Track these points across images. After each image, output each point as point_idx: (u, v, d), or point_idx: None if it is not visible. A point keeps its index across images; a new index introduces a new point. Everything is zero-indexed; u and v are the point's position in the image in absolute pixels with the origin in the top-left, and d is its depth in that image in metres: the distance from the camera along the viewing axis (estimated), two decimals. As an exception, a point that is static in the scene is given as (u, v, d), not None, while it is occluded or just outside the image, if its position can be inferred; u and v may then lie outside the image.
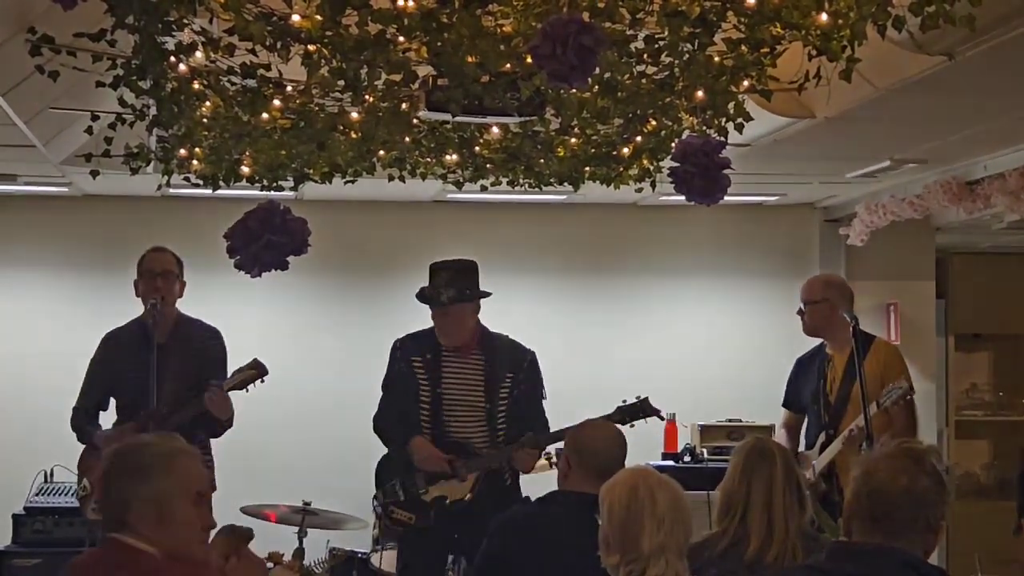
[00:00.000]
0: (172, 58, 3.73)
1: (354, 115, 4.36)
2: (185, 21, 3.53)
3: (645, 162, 4.98)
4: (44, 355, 7.49)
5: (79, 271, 7.80)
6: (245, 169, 5.01)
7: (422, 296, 5.16)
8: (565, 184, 5.37)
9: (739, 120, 4.21)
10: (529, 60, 3.38)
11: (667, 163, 4.07)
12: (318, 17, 3.47)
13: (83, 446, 5.33)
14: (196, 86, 4.03)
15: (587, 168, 5.16)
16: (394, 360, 5.31)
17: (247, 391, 5.18)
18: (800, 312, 5.47)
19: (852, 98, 4.62)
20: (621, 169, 5.10)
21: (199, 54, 3.72)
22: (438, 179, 5.39)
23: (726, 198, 4.03)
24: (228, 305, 7.05)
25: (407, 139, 4.76)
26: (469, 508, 5.09)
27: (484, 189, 5.53)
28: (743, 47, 3.68)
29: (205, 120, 4.45)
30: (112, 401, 5.41)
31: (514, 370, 5.21)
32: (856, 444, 5.01)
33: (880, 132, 5.69)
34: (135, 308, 5.34)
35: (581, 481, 3.88)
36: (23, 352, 7.65)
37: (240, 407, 5.24)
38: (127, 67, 3.73)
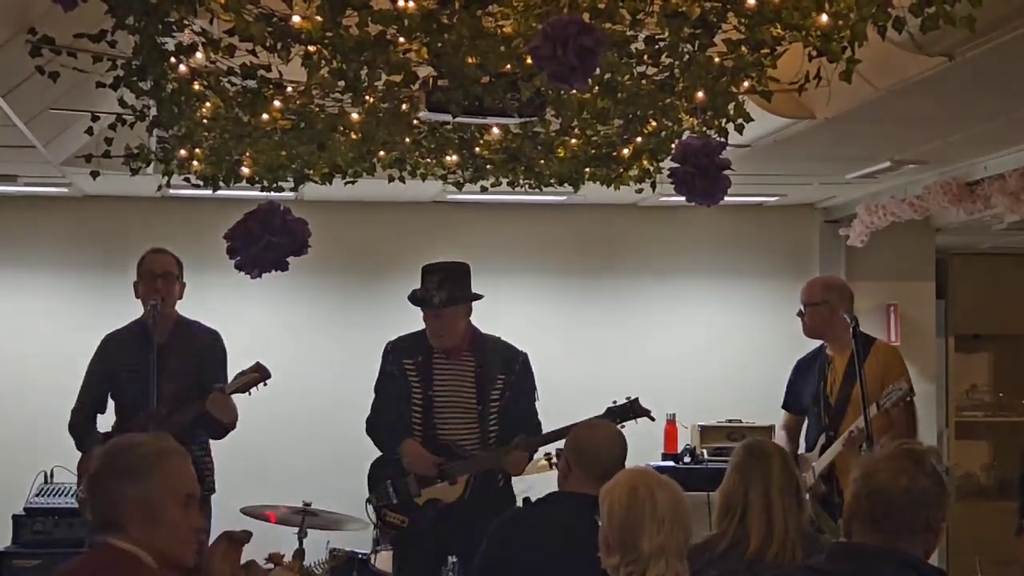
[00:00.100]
0: (172, 59, 3.73)
1: (354, 116, 4.36)
2: (185, 22, 3.53)
3: (645, 163, 4.98)
4: (44, 355, 7.49)
5: (79, 271, 7.80)
6: (245, 170, 5.01)
7: (414, 298, 5.16)
8: (565, 185, 5.37)
9: (739, 121, 4.22)
10: (529, 61, 3.38)
11: (667, 164, 4.08)
12: (318, 18, 3.47)
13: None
14: (196, 87, 4.03)
15: (587, 169, 5.16)
16: (386, 362, 5.31)
17: (249, 394, 5.18)
18: (800, 314, 5.47)
19: (852, 99, 4.62)
20: (621, 170, 5.10)
21: (199, 55, 3.71)
22: (438, 180, 5.39)
23: (726, 199, 4.03)
24: (228, 305, 7.06)
25: (407, 140, 4.75)
26: (462, 510, 5.10)
27: (484, 190, 5.53)
28: (743, 48, 3.68)
29: (205, 121, 4.45)
30: (111, 402, 5.41)
31: (506, 372, 5.21)
32: (856, 445, 5.01)
33: (880, 133, 5.69)
34: (135, 309, 5.34)
35: (581, 482, 3.88)
36: (23, 352, 7.65)
37: (240, 408, 5.25)
38: (127, 68, 3.73)
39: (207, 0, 3.38)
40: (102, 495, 2.77)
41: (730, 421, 7.77)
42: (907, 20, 3.40)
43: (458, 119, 4.05)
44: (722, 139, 4.15)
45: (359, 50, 3.55)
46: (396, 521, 5.20)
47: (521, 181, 5.34)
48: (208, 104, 4.27)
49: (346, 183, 5.27)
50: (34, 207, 7.70)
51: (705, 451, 7.63)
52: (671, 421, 7.70)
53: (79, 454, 5.33)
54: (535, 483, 6.07)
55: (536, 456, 6.30)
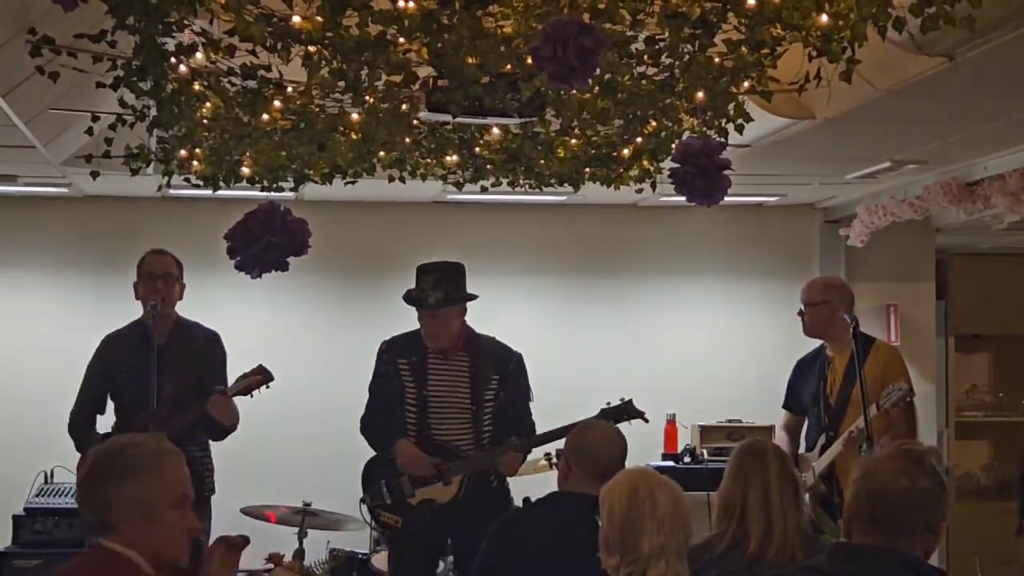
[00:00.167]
0: (172, 59, 3.73)
1: (354, 116, 4.36)
2: (185, 22, 3.53)
3: (645, 163, 4.98)
4: (44, 355, 7.49)
5: (79, 271, 7.80)
6: (245, 170, 5.01)
7: (409, 298, 5.16)
8: (565, 185, 5.37)
9: (739, 121, 4.21)
10: (529, 61, 3.38)
11: (667, 164, 4.08)
12: (319, 18, 3.47)
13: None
14: (196, 87, 4.03)
15: (587, 169, 5.15)
16: (380, 362, 5.31)
17: (251, 396, 5.19)
18: (800, 313, 5.48)
19: (852, 99, 4.62)
20: (621, 170, 5.09)
21: (199, 55, 3.71)
22: (438, 180, 5.39)
23: (726, 199, 4.03)
24: (228, 306, 7.06)
25: (407, 140, 4.75)
26: (456, 511, 5.10)
27: (484, 190, 5.53)
28: (743, 48, 3.68)
29: (205, 121, 4.45)
30: (111, 403, 5.41)
31: (500, 372, 5.21)
32: (856, 446, 5.01)
33: (880, 133, 5.69)
34: (135, 309, 5.34)
35: (581, 482, 3.88)
36: (23, 352, 7.65)
37: (240, 408, 5.25)
38: (127, 68, 3.73)
39: (207, 0, 3.38)
40: (95, 496, 2.75)
41: (730, 421, 7.77)
42: (907, 20, 3.40)
43: (458, 119, 4.04)
44: (722, 139, 4.15)
45: (359, 50, 3.55)
46: (390, 521, 5.20)
47: (521, 181, 5.34)
48: (208, 104, 4.27)
49: (346, 183, 5.27)
50: (34, 207, 7.70)
51: (705, 451, 7.63)
52: (671, 421, 7.70)
53: (79, 454, 5.33)
54: (535, 484, 6.07)
55: (536, 456, 6.32)
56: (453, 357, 5.20)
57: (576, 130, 4.73)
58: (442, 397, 5.18)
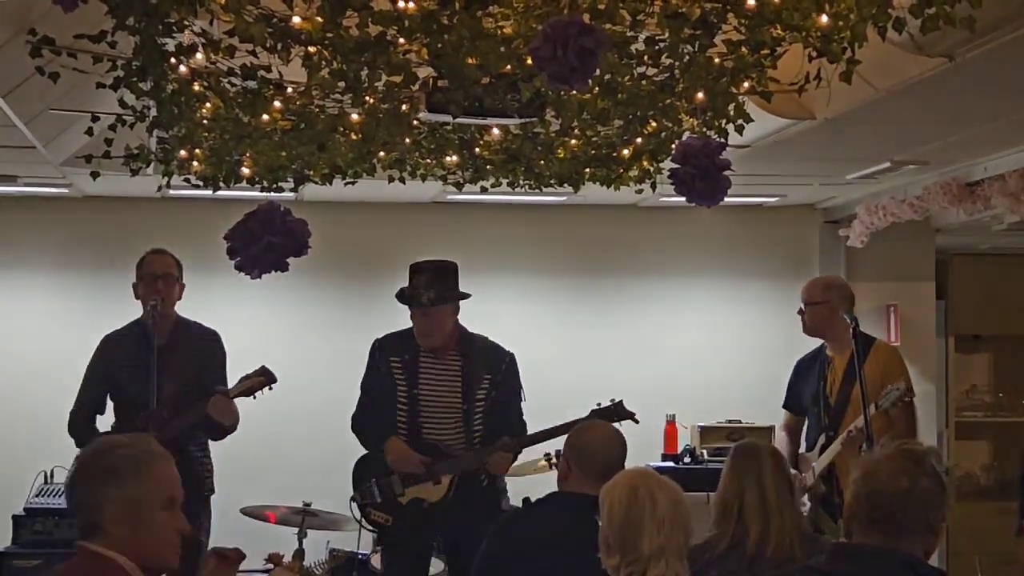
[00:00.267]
0: (172, 59, 3.73)
1: (354, 116, 4.36)
2: (185, 23, 3.53)
3: (645, 163, 4.98)
4: (44, 355, 7.49)
5: (79, 272, 7.80)
6: (245, 170, 5.01)
7: (402, 296, 5.17)
8: (565, 185, 5.37)
9: (739, 122, 4.21)
10: (529, 62, 3.38)
11: (667, 164, 4.08)
12: (318, 19, 3.47)
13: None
14: (196, 87, 4.03)
15: (587, 169, 5.16)
16: (372, 360, 5.32)
17: (254, 398, 5.18)
18: (800, 312, 5.48)
19: (852, 100, 4.62)
20: (621, 170, 5.10)
21: (199, 55, 3.71)
22: (438, 180, 5.39)
23: (726, 199, 4.03)
24: (228, 306, 7.06)
25: (407, 140, 4.75)
26: (446, 510, 5.10)
27: (484, 190, 5.53)
28: (743, 49, 3.68)
29: (205, 121, 4.45)
30: (111, 403, 5.41)
31: (492, 372, 5.21)
32: (855, 445, 5.02)
33: (880, 134, 5.69)
34: (135, 309, 5.35)
35: (581, 482, 3.88)
36: (23, 352, 7.65)
37: (240, 409, 5.25)
38: (127, 68, 3.73)
39: (207, 1, 3.38)
40: (83, 499, 2.71)
41: (730, 421, 7.77)
42: (907, 21, 3.40)
43: (458, 120, 4.04)
44: (722, 140, 4.15)
45: (359, 51, 3.55)
46: (380, 519, 5.21)
47: (521, 182, 5.34)
48: (208, 105, 4.27)
49: (346, 184, 5.27)
50: (34, 207, 7.70)
51: (705, 451, 7.62)
52: (671, 421, 7.70)
53: (79, 456, 5.34)
54: (535, 484, 6.08)
55: (536, 456, 6.32)
56: (445, 356, 5.20)
57: (576, 131, 4.74)
58: (433, 396, 5.18)
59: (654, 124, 4.56)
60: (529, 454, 6.00)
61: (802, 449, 5.57)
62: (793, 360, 5.75)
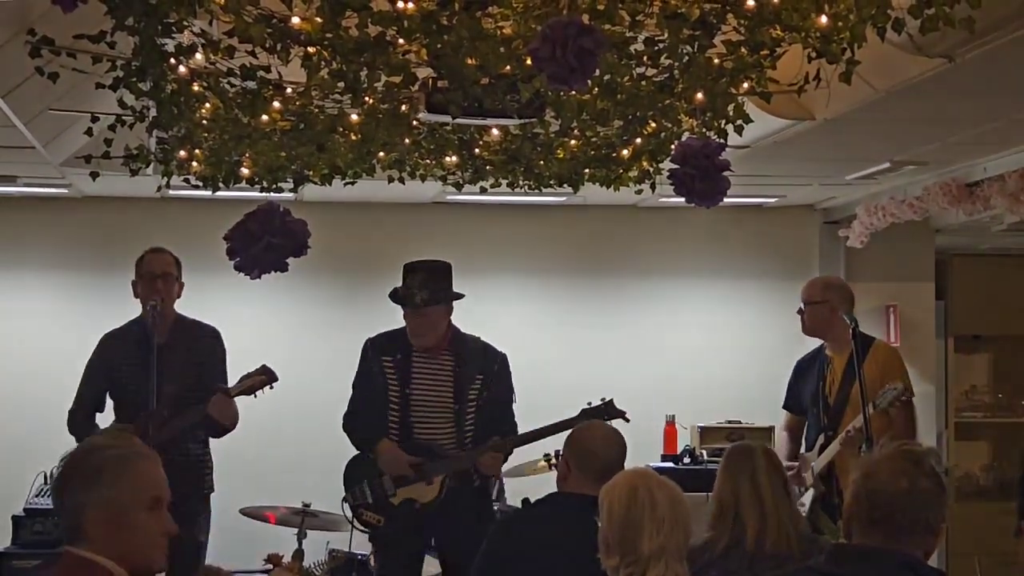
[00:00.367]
0: (172, 60, 3.73)
1: (354, 117, 4.36)
2: (185, 23, 3.53)
3: (645, 164, 4.98)
4: (44, 355, 7.49)
5: (79, 272, 7.80)
6: (245, 171, 5.01)
7: (395, 296, 5.17)
8: (565, 186, 5.37)
9: (739, 122, 4.21)
10: (529, 62, 3.38)
11: (667, 165, 4.08)
12: (318, 19, 3.47)
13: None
14: (196, 88, 4.03)
15: (587, 170, 5.16)
16: (364, 359, 5.32)
17: (255, 397, 5.18)
18: (800, 312, 5.48)
19: (852, 100, 4.62)
20: (621, 171, 5.10)
21: (199, 56, 3.72)
22: (438, 181, 5.39)
23: (726, 200, 4.03)
24: (227, 306, 7.06)
25: (407, 141, 4.76)
26: (438, 510, 5.10)
27: (484, 191, 5.53)
28: (743, 49, 3.68)
29: (205, 122, 4.45)
30: (110, 402, 5.41)
31: (484, 372, 5.21)
32: (854, 445, 5.01)
33: (880, 134, 5.69)
34: (134, 309, 5.34)
35: (580, 483, 3.88)
36: (23, 352, 7.65)
37: (240, 408, 5.25)
38: (127, 69, 3.73)
39: (207, 1, 3.38)
40: (66, 501, 2.65)
41: (730, 422, 7.77)
42: (906, 21, 3.40)
43: (458, 120, 4.04)
44: (721, 140, 4.15)
45: (359, 51, 3.55)
46: (372, 520, 5.21)
47: (521, 182, 5.34)
48: (208, 105, 4.27)
49: (346, 184, 5.27)
50: (34, 207, 7.71)
51: (704, 452, 7.61)
52: (670, 422, 7.70)
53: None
54: (535, 484, 6.08)
55: (536, 457, 6.32)
56: (437, 356, 5.20)
57: (575, 131, 4.74)
58: (425, 396, 5.18)
59: (653, 124, 4.56)
60: (529, 454, 6.01)
61: (802, 449, 5.57)
62: (793, 360, 5.75)
